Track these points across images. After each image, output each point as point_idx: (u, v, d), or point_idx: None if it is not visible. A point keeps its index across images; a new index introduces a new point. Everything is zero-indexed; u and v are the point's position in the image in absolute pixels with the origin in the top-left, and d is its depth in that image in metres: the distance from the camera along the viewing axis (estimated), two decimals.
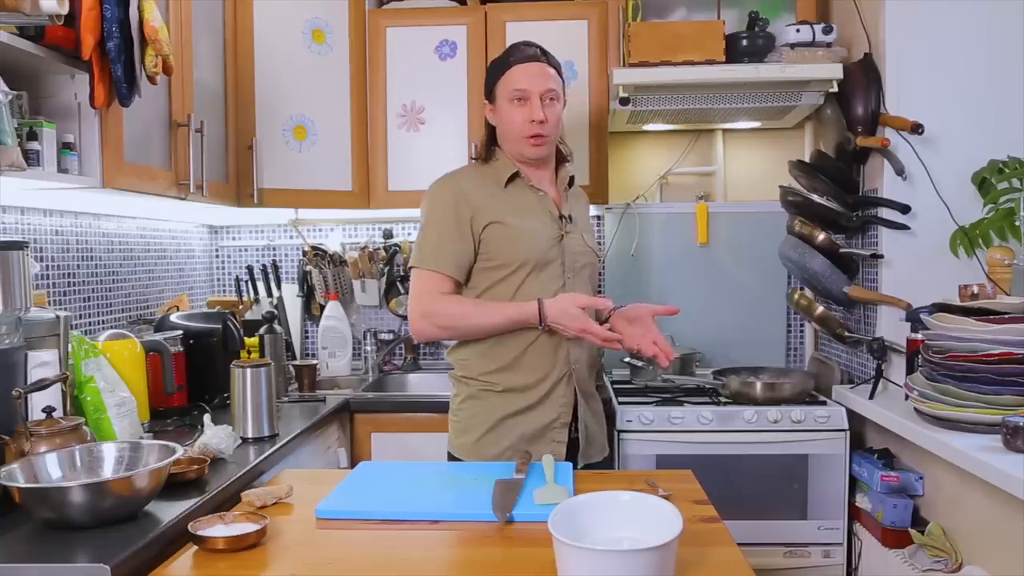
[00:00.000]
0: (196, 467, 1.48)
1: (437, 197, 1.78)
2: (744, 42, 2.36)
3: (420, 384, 2.88)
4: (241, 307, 2.87)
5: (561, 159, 1.89)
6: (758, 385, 2.35)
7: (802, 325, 2.90)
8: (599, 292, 2.94)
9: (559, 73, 1.80)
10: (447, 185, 1.79)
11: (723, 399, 2.40)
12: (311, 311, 3.00)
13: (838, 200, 2.32)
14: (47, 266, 2.03)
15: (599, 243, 2.95)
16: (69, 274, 2.13)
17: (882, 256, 2.25)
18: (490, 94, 1.81)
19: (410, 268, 1.77)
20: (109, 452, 1.39)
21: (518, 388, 1.74)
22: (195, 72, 2.12)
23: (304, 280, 2.98)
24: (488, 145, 1.85)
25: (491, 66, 1.82)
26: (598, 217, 2.96)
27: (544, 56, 1.77)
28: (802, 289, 2.69)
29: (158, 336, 2.05)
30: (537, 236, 1.75)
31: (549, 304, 1.66)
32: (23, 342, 1.47)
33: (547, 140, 1.76)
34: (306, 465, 2.00)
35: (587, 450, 1.82)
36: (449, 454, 1.82)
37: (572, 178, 1.90)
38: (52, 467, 1.32)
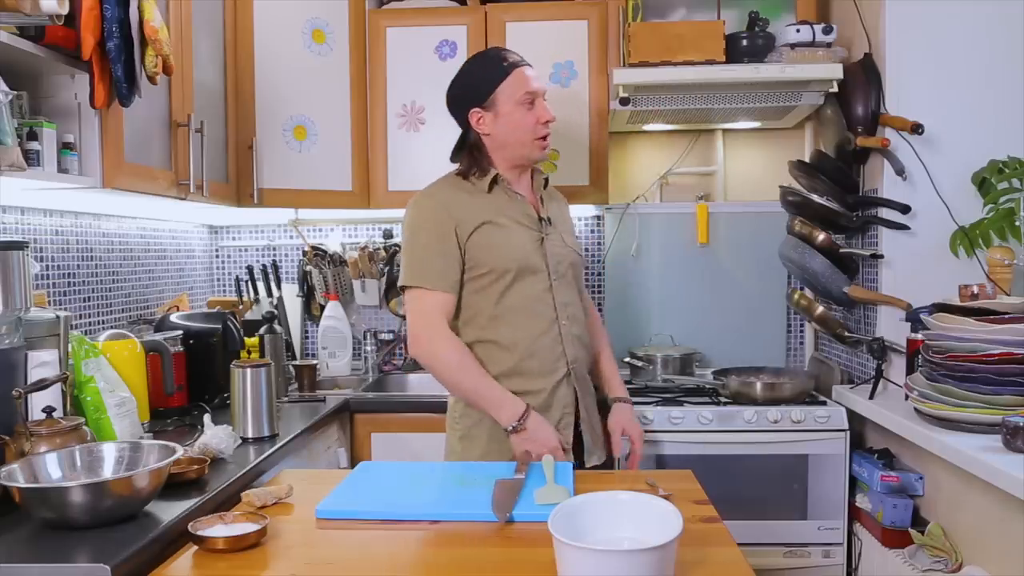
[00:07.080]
0: (196, 467, 1.48)
1: (420, 214, 1.75)
2: (744, 42, 2.36)
3: (420, 384, 2.87)
4: (241, 307, 2.86)
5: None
6: (758, 385, 2.35)
7: (802, 325, 2.90)
8: (595, 293, 2.94)
9: None
10: (428, 201, 1.77)
11: (723, 399, 2.40)
12: (311, 311, 3.00)
13: (838, 200, 2.32)
14: (47, 266, 2.03)
15: (599, 244, 2.95)
16: (69, 274, 2.13)
17: (882, 256, 2.25)
18: (484, 101, 1.76)
19: (402, 287, 1.75)
20: (109, 452, 1.39)
21: (520, 392, 1.73)
22: (195, 72, 2.12)
23: (304, 280, 2.98)
24: (470, 158, 1.80)
25: (483, 73, 1.77)
26: (598, 217, 2.96)
27: None
28: (802, 289, 2.69)
29: (158, 336, 2.05)
30: (520, 241, 1.74)
31: (534, 416, 1.67)
32: (23, 342, 1.47)
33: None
34: (306, 465, 2.00)
35: (592, 449, 1.83)
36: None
37: (547, 179, 1.90)
38: (52, 467, 1.32)
